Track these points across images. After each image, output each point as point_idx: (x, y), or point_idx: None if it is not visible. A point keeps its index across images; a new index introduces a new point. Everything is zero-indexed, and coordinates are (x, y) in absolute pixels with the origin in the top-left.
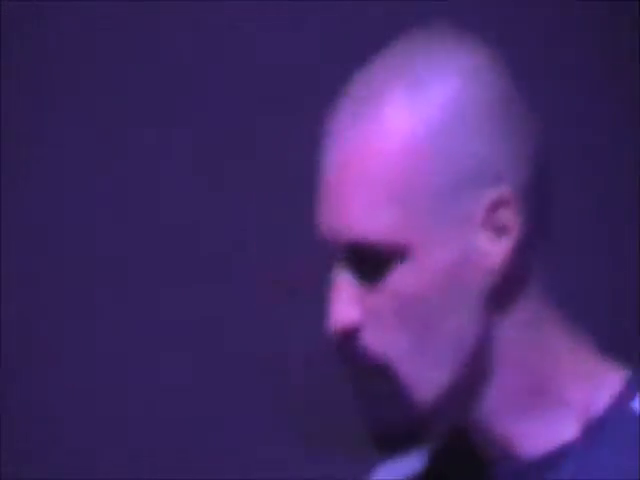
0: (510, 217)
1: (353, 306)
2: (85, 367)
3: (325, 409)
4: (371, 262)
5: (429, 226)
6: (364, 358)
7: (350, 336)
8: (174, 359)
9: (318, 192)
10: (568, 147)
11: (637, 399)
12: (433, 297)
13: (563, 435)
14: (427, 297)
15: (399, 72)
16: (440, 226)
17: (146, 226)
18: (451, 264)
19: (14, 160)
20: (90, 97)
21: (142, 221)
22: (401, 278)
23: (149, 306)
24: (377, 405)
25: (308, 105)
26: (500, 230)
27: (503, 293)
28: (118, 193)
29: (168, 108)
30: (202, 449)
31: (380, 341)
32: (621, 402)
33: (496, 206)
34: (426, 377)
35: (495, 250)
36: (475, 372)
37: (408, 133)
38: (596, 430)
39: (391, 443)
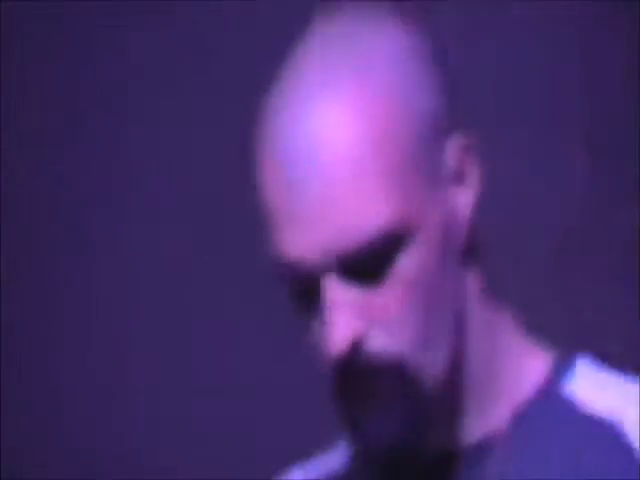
0: (471, 164)
1: (355, 317)
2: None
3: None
4: (371, 262)
5: (417, 198)
6: (373, 365)
7: (354, 350)
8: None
9: (275, 214)
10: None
11: (565, 382)
12: (434, 273)
13: (494, 423)
14: (430, 275)
15: (339, 56)
16: (425, 194)
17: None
18: (440, 232)
19: (14, 159)
20: (89, 98)
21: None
22: (409, 263)
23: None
24: (386, 411)
25: None
26: (464, 180)
27: (466, 260)
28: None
29: (167, 108)
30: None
31: (388, 342)
32: (548, 387)
33: (461, 156)
34: (433, 360)
35: (463, 202)
36: (456, 351)
37: (378, 110)
38: (524, 416)
39: (396, 448)
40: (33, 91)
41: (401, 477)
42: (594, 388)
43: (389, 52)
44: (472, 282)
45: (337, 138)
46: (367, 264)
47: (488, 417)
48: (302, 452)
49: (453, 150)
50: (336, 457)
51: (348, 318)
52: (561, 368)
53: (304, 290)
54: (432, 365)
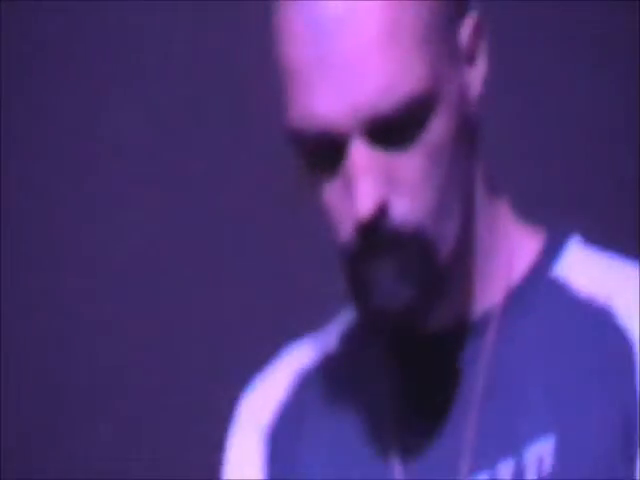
0: (481, 45)
1: (381, 181)
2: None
3: None
4: (399, 127)
5: (442, 68)
6: (394, 231)
7: (381, 214)
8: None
9: (304, 70)
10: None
11: (555, 263)
12: (453, 145)
13: (490, 303)
14: (450, 146)
15: None
16: (447, 66)
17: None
18: (458, 105)
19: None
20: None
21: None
22: (434, 131)
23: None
24: (402, 274)
25: None
26: (475, 59)
27: (474, 140)
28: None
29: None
30: None
31: (409, 209)
32: (539, 269)
33: (473, 36)
34: (446, 231)
35: (473, 79)
36: (464, 227)
37: None
38: (516, 298)
39: (411, 316)
40: (32, 89)
41: (398, 354)
42: (584, 268)
43: None
44: (477, 165)
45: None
46: (396, 128)
47: (485, 296)
48: (304, 327)
49: (467, 30)
50: (335, 333)
51: (374, 182)
52: (552, 249)
53: (324, 152)
54: (447, 236)
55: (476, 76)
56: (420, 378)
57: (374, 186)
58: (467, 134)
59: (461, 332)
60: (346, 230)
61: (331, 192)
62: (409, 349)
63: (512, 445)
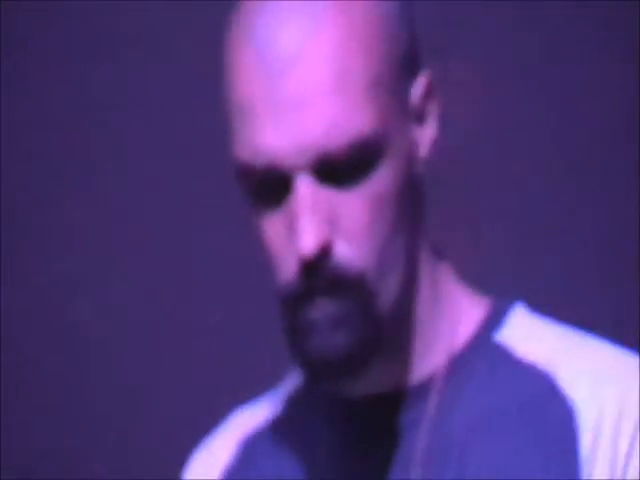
0: (433, 105)
1: (325, 222)
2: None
3: None
4: (346, 167)
5: (391, 117)
6: (335, 275)
7: (323, 255)
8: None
9: (253, 105)
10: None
11: (498, 329)
12: (400, 196)
13: (432, 367)
14: (395, 196)
15: None
16: (396, 118)
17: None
18: (405, 160)
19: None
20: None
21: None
22: (380, 178)
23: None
24: (340, 324)
25: None
26: (425, 119)
27: (418, 202)
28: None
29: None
30: None
31: (352, 253)
32: (483, 334)
33: (424, 93)
34: (388, 283)
35: (422, 140)
36: (406, 284)
37: (368, 22)
38: (459, 363)
39: (347, 365)
40: (32, 90)
41: (340, 417)
42: (528, 335)
43: None
44: (420, 226)
45: (325, 34)
46: (342, 168)
47: (427, 361)
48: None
49: (418, 89)
50: (282, 395)
51: (319, 220)
52: (496, 315)
53: (269, 187)
54: (388, 287)
55: (425, 137)
56: (362, 441)
57: (318, 224)
58: (412, 192)
59: (403, 395)
60: (287, 269)
61: (274, 229)
62: (352, 411)
63: None
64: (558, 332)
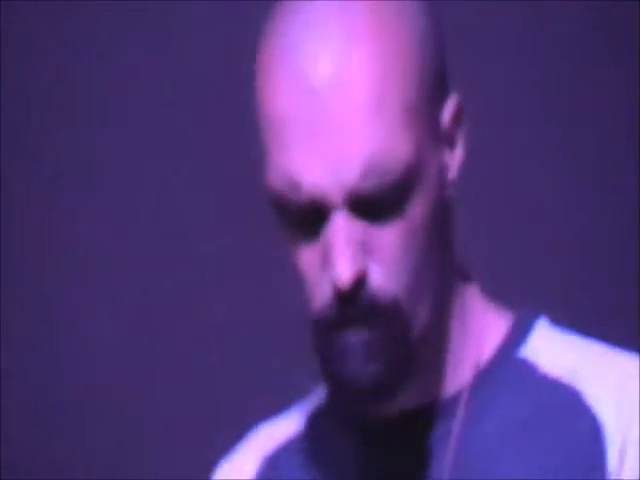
0: (461, 130)
1: (359, 253)
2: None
3: None
4: (382, 200)
5: (425, 145)
6: (371, 301)
7: (359, 284)
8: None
9: (280, 139)
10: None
11: (522, 345)
12: (432, 221)
13: (459, 383)
14: (429, 222)
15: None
16: (429, 145)
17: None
18: (437, 184)
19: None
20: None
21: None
22: (414, 208)
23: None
24: (374, 350)
25: None
26: (454, 144)
27: (447, 224)
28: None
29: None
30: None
31: (387, 279)
32: (507, 349)
33: (454, 117)
34: (421, 309)
35: (452, 163)
36: (438, 306)
37: (403, 50)
38: (484, 378)
39: (380, 392)
40: (31, 90)
41: (367, 433)
42: (551, 349)
43: (408, 4)
44: (450, 250)
45: (363, 58)
46: (379, 202)
47: (453, 378)
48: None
49: (448, 112)
50: (304, 412)
51: (354, 253)
52: (520, 331)
53: (304, 217)
54: (420, 313)
55: (454, 161)
56: (389, 458)
57: (354, 257)
58: (442, 217)
59: (431, 412)
60: (321, 297)
61: (308, 257)
62: (379, 428)
63: None
64: (581, 346)
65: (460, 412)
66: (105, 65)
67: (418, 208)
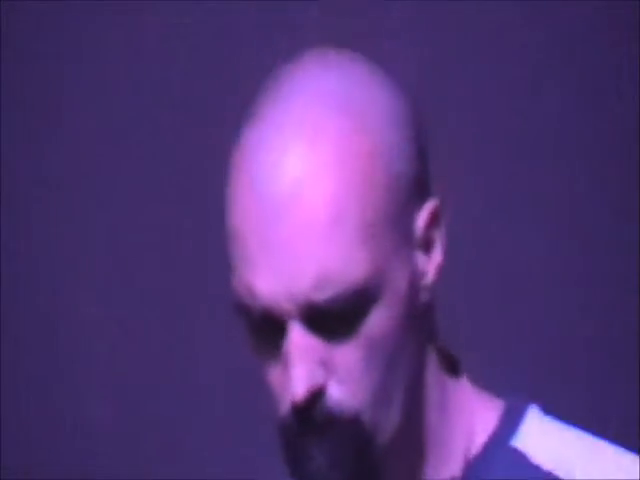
0: (438, 234)
1: (317, 366)
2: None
3: None
4: (339, 315)
5: (390, 257)
6: (329, 416)
7: (315, 399)
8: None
9: (250, 249)
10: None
11: (514, 434)
12: (397, 334)
13: (445, 475)
14: (393, 336)
15: (325, 100)
16: (394, 255)
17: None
18: (405, 294)
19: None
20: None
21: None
22: (375, 322)
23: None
24: (337, 462)
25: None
26: (430, 249)
27: (423, 324)
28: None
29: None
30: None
31: (347, 395)
32: (498, 439)
33: (430, 222)
34: (386, 418)
35: (428, 268)
36: (409, 409)
37: (366, 162)
38: (474, 469)
39: None
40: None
41: None
42: (543, 440)
43: (378, 107)
44: (428, 348)
45: (325, 177)
46: (333, 317)
47: (443, 468)
48: None
49: (423, 217)
50: None
51: (309, 367)
52: (510, 420)
53: (267, 328)
54: (386, 423)
55: (430, 265)
56: None
57: (308, 371)
58: (415, 322)
59: None
60: (283, 406)
61: (272, 367)
62: None
63: None
64: (573, 438)
65: None
66: (105, 65)
67: (377, 323)
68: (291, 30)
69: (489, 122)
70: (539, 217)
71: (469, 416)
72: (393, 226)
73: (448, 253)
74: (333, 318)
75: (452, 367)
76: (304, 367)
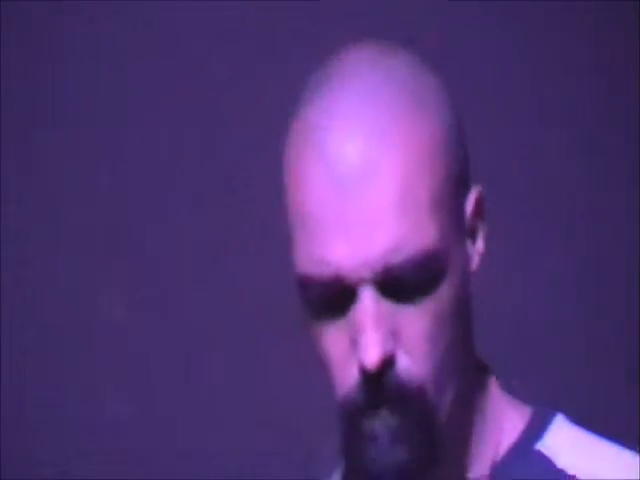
0: (482, 223)
1: (388, 335)
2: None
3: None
4: (411, 283)
5: (451, 236)
6: (399, 386)
7: (386, 367)
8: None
9: (322, 220)
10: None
11: (540, 439)
12: (458, 311)
13: (474, 475)
14: (456, 312)
15: (392, 85)
16: (454, 234)
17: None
18: (463, 274)
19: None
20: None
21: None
22: (441, 296)
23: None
24: (401, 438)
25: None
26: (474, 232)
27: (468, 314)
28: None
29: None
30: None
31: (414, 366)
32: (525, 443)
33: (475, 210)
34: (445, 396)
35: (473, 255)
36: (459, 394)
37: (430, 142)
38: (501, 471)
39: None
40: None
41: None
42: (569, 446)
43: (435, 93)
44: (471, 340)
45: (392, 154)
46: (406, 284)
47: (472, 468)
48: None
49: (470, 204)
50: None
51: (382, 333)
52: (537, 425)
53: (332, 298)
54: (445, 402)
55: (475, 253)
56: None
57: (382, 336)
58: (466, 307)
59: None
60: (348, 380)
61: (334, 339)
62: None
63: None
64: (597, 445)
65: None
66: (105, 64)
67: (445, 296)
68: (291, 30)
69: (489, 123)
70: (539, 218)
71: (500, 418)
72: (452, 208)
73: None
74: (404, 285)
75: (484, 369)
76: (378, 333)
